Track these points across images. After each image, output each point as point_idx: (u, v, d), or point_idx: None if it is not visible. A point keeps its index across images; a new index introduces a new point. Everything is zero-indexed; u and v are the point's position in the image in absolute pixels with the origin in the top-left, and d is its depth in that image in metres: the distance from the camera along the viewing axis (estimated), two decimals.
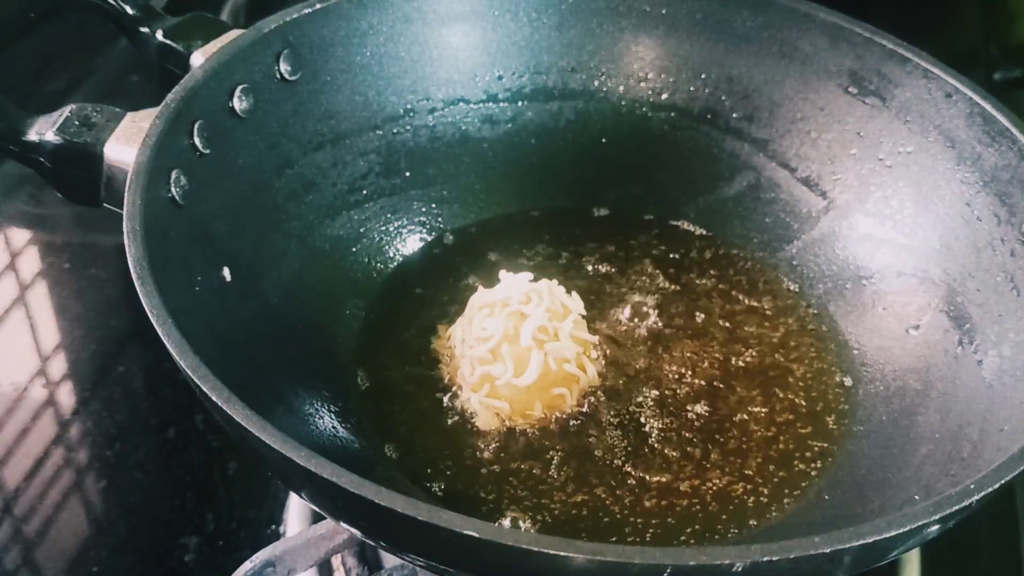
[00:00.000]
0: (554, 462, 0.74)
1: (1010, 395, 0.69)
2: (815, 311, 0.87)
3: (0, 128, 0.75)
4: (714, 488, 0.74)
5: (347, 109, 0.87)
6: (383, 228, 0.90)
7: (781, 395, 0.80)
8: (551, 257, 0.90)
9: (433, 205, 0.92)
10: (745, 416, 0.78)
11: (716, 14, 0.91)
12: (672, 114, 0.94)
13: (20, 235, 1.11)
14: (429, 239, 0.91)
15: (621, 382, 0.80)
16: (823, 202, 0.89)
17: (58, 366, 0.97)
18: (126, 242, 0.63)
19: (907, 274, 0.83)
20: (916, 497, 0.67)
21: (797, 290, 0.88)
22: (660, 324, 0.84)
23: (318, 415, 0.75)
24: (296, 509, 0.83)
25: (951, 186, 0.81)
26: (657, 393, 0.79)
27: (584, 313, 0.81)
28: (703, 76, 0.93)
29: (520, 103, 0.94)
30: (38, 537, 0.83)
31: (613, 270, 0.90)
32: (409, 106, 0.91)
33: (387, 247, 0.90)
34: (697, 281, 0.89)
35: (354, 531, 0.63)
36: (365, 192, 0.89)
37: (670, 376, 0.81)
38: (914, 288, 0.82)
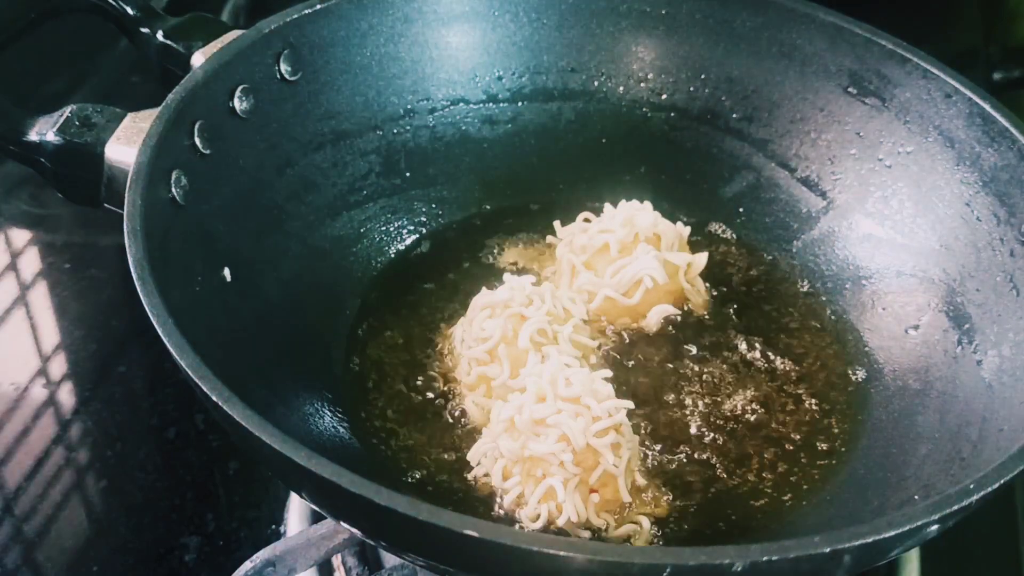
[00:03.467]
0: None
1: (1009, 395, 0.69)
2: (815, 311, 0.87)
3: (1, 128, 0.75)
4: (714, 487, 0.74)
5: (347, 109, 0.87)
6: (383, 228, 0.90)
7: (779, 396, 0.80)
8: (552, 256, 0.89)
9: (433, 205, 0.92)
10: (745, 417, 0.78)
11: (716, 14, 0.91)
12: (672, 114, 0.94)
13: (21, 235, 1.11)
14: (429, 239, 0.91)
15: (620, 378, 0.80)
16: (823, 202, 0.89)
17: (58, 366, 0.97)
18: (127, 242, 0.63)
19: (907, 274, 0.83)
20: (916, 497, 0.67)
21: (796, 290, 0.88)
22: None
23: (318, 415, 0.75)
24: (296, 509, 0.83)
25: (951, 186, 0.81)
26: (656, 393, 0.80)
27: (586, 317, 0.81)
28: (703, 76, 0.93)
29: (520, 103, 0.94)
30: (38, 537, 0.83)
31: None
32: (409, 106, 0.91)
33: (387, 247, 0.90)
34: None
35: (354, 531, 0.63)
36: (365, 192, 0.89)
37: (671, 376, 0.81)
38: (914, 288, 0.82)
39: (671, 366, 0.82)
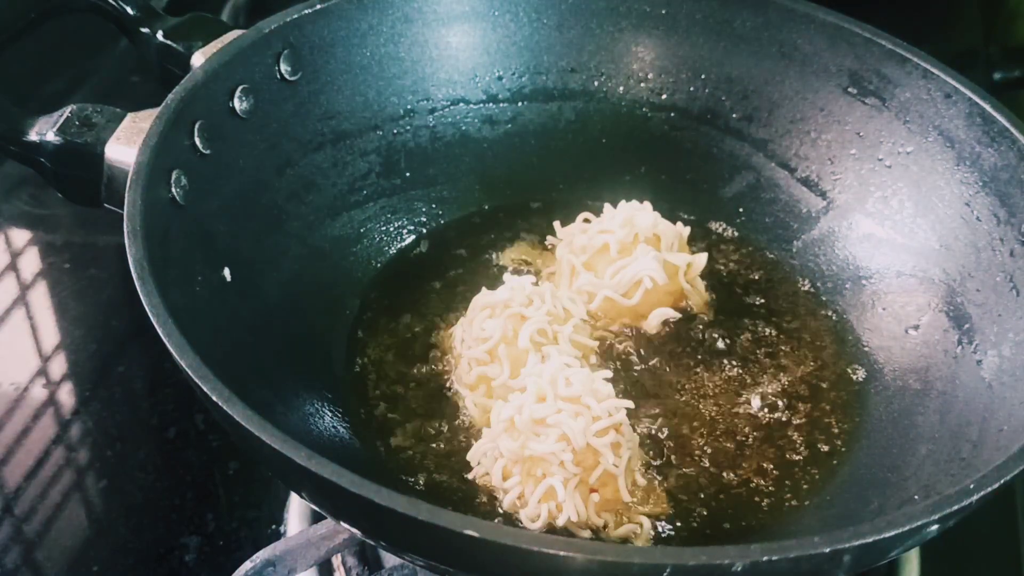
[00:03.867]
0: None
1: (1009, 395, 0.69)
2: (815, 311, 0.87)
3: (1, 129, 0.75)
4: (714, 487, 0.74)
5: (347, 109, 0.87)
6: (383, 228, 0.90)
7: (779, 397, 0.80)
8: (552, 256, 0.89)
9: (433, 205, 0.92)
10: (745, 417, 0.78)
11: (716, 14, 0.91)
12: (672, 114, 0.94)
13: (21, 235, 1.11)
14: (429, 239, 0.91)
15: (620, 378, 0.80)
16: (823, 202, 0.89)
17: (58, 366, 0.97)
18: (126, 242, 0.63)
19: (907, 274, 0.83)
20: (916, 497, 0.67)
21: (796, 290, 0.88)
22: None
23: (318, 415, 0.75)
24: (296, 509, 0.83)
25: (951, 186, 0.81)
26: (656, 393, 0.80)
27: (586, 317, 0.81)
28: (703, 76, 0.93)
29: (520, 103, 0.94)
30: (38, 537, 0.83)
31: None
32: (409, 106, 0.91)
33: (387, 247, 0.90)
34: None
35: (354, 531, 0.63)
36: (365, 192, 0.89)
37: (670, 376, 0.81)
38: (914, 288, 0.82)
39: (671, 366, 0.82)
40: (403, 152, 0.91)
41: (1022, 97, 1.31)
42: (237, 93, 0.78)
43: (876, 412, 0.78)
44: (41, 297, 1.03)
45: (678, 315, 0.84)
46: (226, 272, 0.74)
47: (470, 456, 0.73)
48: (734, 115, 0.92)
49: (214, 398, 0.56)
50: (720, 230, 0.93)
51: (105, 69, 1.27)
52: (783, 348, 0.84)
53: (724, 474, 0.75)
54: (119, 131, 0.73)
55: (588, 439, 0.68)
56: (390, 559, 0.76)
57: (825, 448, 0.77)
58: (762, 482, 0.74)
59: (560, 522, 0.68)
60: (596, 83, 0.95)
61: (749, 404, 0.79)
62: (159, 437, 0.91)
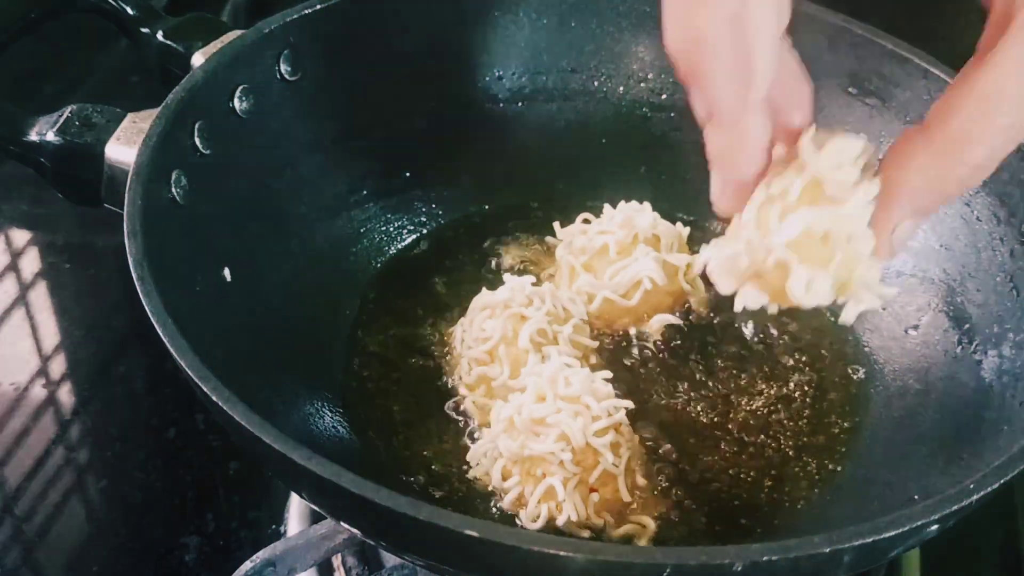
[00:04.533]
0: None
1: (1009, 395, 0.69)
2: (815, 311, 0.86)
3: (1, 129, 0.75)
4: (714, 487, 0.74)
5: (347, 109, 0.87)
6: (383, 228, 0.90)
7: (779, 397, 0.80)
8: (552, 257, 0.89)
9: (433, 205, 0.92)
10: (745, 417, 0.78)
11: None
12: (672, 114, 0.94)
13: (21, 235, 1.11)
14: (429, 239, 0.91)
15: (620, 378, 0.79)
16: None
17: (58, 366, 0.97)
18: (126, 242, 0.63)
19: (907, 274, 0.83)
20: (916, 497, 0.67)
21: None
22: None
23: (318, 415, 0.75)
24: (296, 509, 0.83)
25: None
26: (656, 393, 0.80)
27: (585, 317, 0.81)
28: None
29: (520, 103, 0.94)
30: (38, 537, 0.83)
31: None
32: (409, 106, 0.91)
33: (387, 247, 0.90)
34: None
35: (354, 531, 0.63)
36: (365, 192, 0.89)
37: (670, 376, 0.81)
38: (914, 288, 0.82)
39: (671, 366, 0.82)
40: (403, 152, 0.91)
41: None
42: (237, 93, 0.78)
43: (876, 412, 0.78)
44: (41, 297, 1.03)
45: (679, 321, 0.84)
46: (226, 272, 0.74)
47: (470, 456, 0.73)
48: None
49: (214, 398, 0.56)
50: (720, 230, 0.92)
51: (105, 69, 1.27)
52: (783, 348, 0.84)
53: (724, 474, 0.75)
54: (119, 131, 0.73)
55: (587, 438, 0.68)
56: (390, 559, 0.76)
57: (825, 448, 0.77)
58: (762, 482, 0.74)
59: (560, 522, 0.68)
60: (596, 83, 0.95)
61: (749, 404, 0.79)
62: (159, 437, 0.91)
